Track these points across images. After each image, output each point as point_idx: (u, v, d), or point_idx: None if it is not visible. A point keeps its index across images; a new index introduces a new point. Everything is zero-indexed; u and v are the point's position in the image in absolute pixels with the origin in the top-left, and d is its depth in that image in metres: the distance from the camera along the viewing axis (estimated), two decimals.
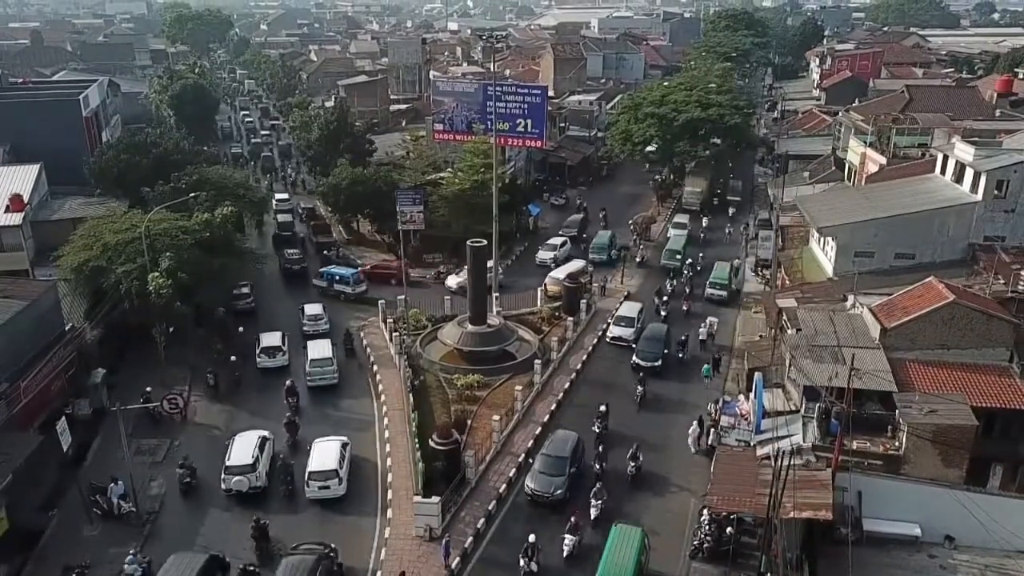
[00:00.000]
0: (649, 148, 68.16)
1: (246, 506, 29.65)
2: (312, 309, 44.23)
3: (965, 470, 27.05)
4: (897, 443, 27.92)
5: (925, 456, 27.03)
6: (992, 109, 65.44)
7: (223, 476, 30.04)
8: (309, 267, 52.03)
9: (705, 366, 39.73)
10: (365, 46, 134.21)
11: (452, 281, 49.37)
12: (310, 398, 37.44)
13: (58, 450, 30.58)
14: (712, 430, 33.24)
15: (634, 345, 41.28)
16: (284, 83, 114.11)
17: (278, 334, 41.15)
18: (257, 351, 39.97)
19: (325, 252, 54.64)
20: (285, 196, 66.45)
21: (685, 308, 46.81)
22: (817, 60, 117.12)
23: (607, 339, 42.92)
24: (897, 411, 28.26)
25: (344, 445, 31.54)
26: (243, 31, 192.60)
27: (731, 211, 66.04)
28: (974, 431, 26.64)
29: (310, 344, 39.86)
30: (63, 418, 28.85)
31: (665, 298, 47.28)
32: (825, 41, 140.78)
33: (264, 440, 31.88)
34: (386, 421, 35.10)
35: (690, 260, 53.41)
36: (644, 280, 52.39)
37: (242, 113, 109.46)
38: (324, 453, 30.67)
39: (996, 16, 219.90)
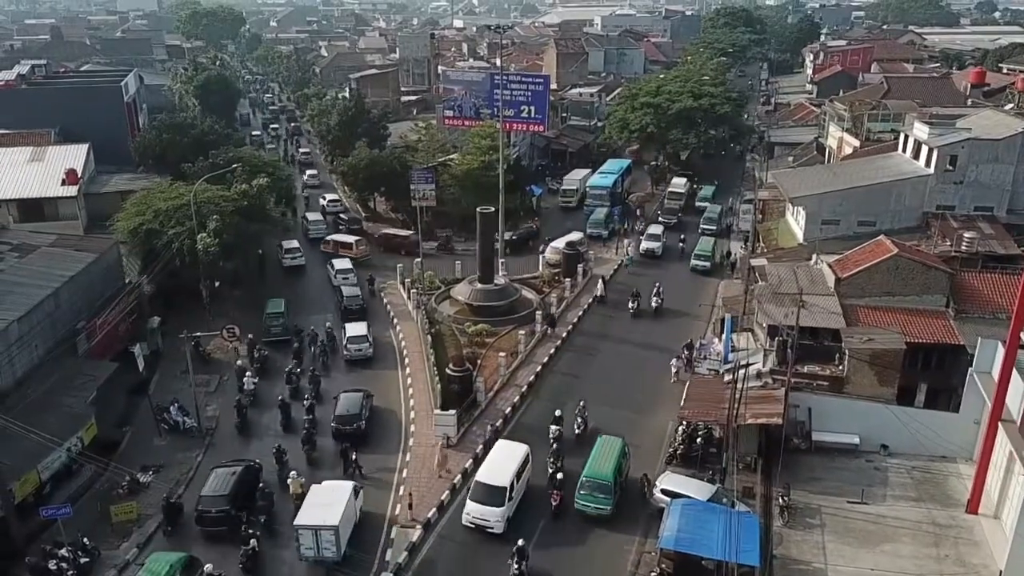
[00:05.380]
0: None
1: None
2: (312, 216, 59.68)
3: (896, 389, 32.02)
4: (841, 367, 32.95)
5: (863, 376, 32.06)
6: (965, 99, 70.18)
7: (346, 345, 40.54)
8: None
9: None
10: (374, 42, 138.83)
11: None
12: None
13: (127, 378, 35.86)
14: (688, 360, 38.28)
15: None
16: (298, 76, 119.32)
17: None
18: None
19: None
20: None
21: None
22: (811, 56, 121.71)
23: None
24: (843, 342, 33.26)
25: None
26: (254, 27, 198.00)
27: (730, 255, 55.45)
28: (902, 354, 31.69)
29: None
30: (138, 344, 33.99)
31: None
32: (822, 38, 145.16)
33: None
34: (407, 360, 40.30)
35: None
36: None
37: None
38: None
39: (997, 15, 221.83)
